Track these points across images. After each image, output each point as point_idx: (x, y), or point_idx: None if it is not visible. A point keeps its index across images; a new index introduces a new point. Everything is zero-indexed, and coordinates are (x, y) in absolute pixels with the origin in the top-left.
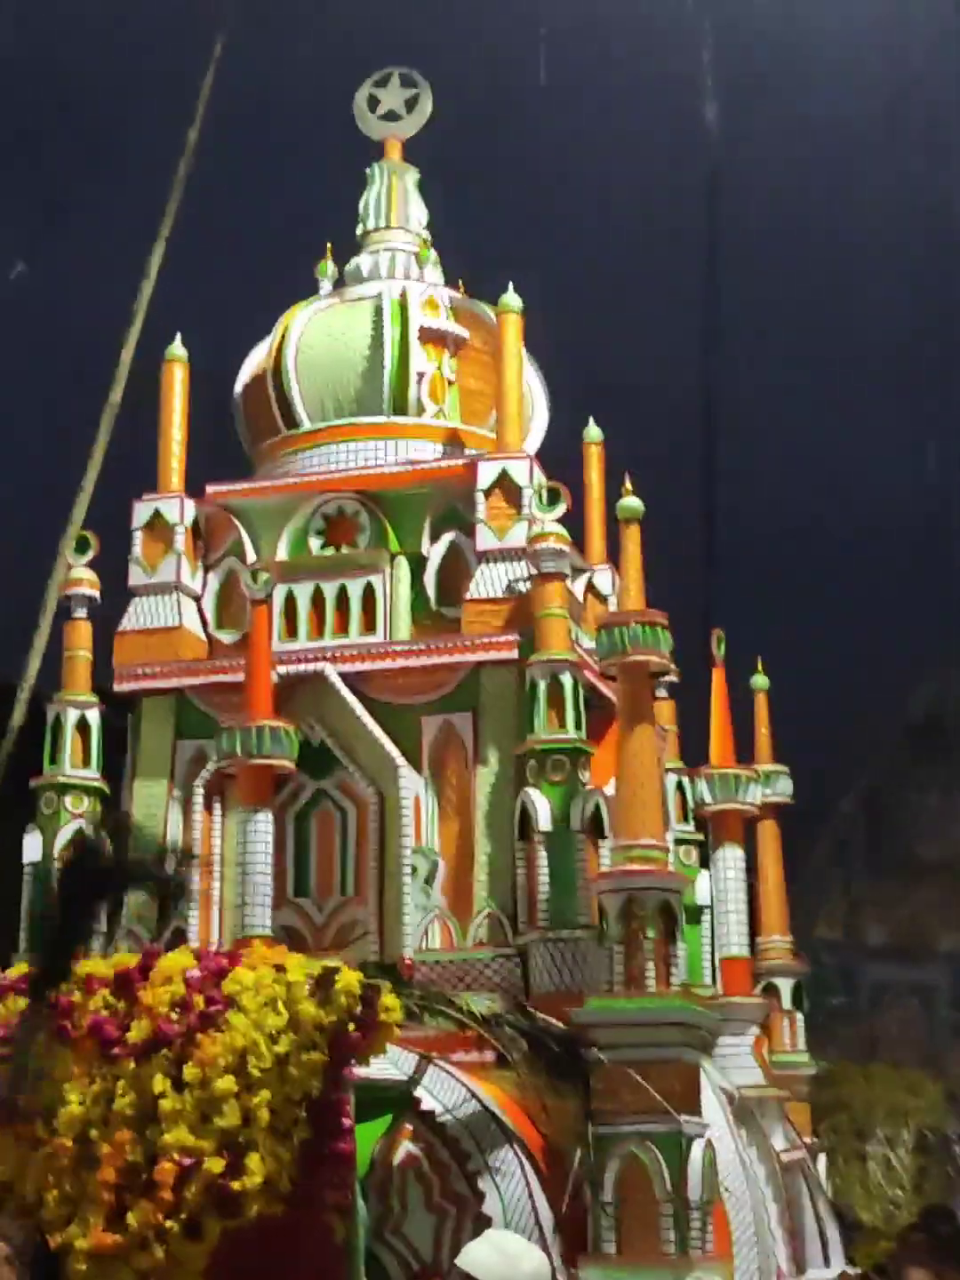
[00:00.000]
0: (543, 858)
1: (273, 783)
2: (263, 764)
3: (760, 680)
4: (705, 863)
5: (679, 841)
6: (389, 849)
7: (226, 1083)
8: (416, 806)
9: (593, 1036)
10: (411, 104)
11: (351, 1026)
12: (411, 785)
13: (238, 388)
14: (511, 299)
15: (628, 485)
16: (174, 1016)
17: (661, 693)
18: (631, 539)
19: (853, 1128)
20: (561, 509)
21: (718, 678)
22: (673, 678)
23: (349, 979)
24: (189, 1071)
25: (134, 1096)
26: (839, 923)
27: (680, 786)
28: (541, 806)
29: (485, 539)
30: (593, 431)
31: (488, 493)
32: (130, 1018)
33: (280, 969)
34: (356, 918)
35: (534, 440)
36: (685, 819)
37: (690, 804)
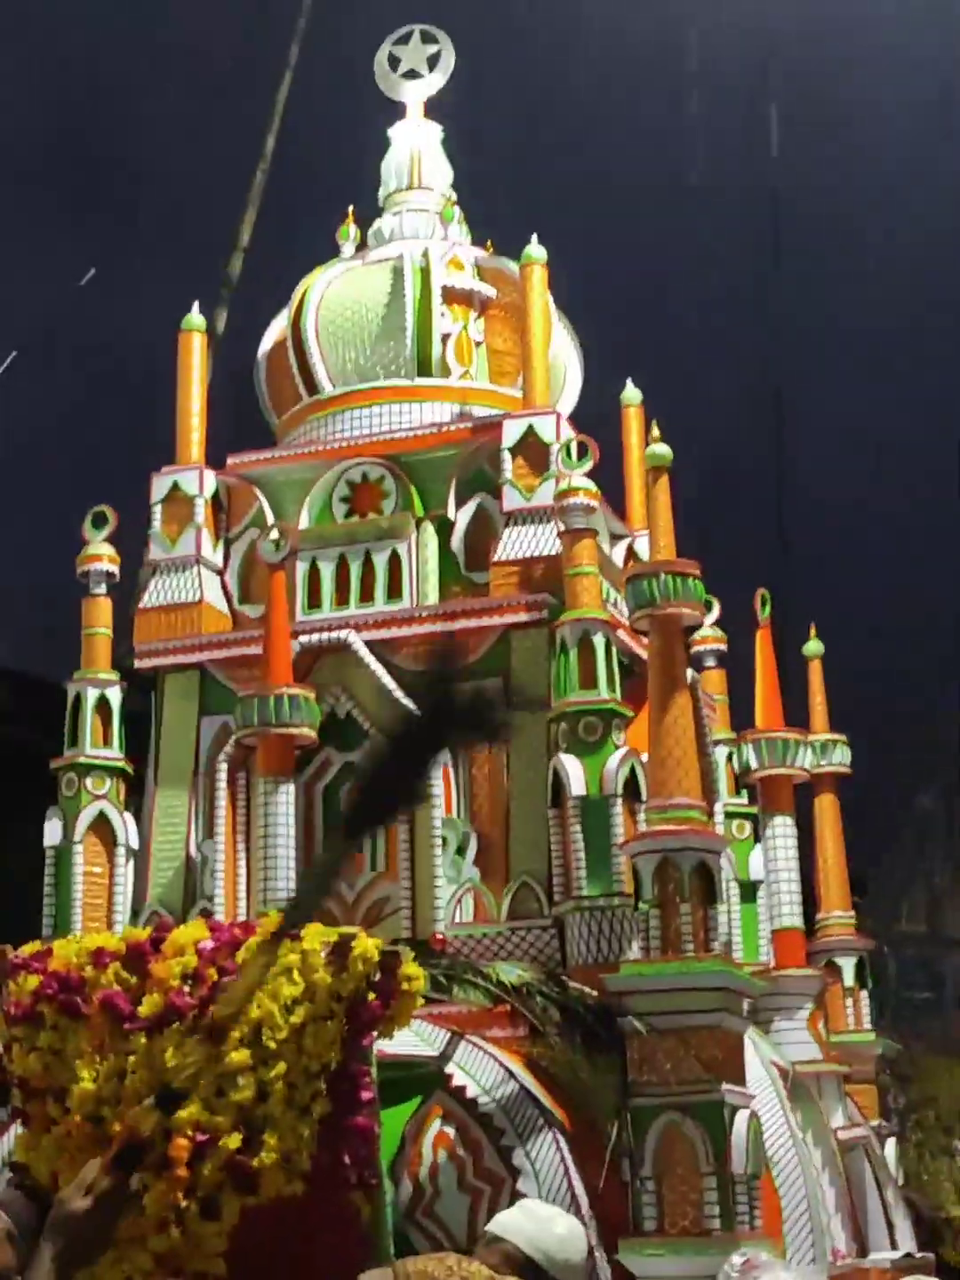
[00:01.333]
0: (577, 825)
1: (294, 753)
2: (283, 733)
3: (814, 646)
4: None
5: (731, 815)
6: (418, 820)
7: (241, 1056)
8: (446, 777)
9: (628, 1005)
10: (434, 62)
11: (371, 995)
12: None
13: (259, 356)
14: (535, 249)
15: (656, 433)
16: (187, 989)
17: (710, 662)
18: (661, 489)
19: (941, 1124)
20: (589, 463)
21: (762, 638)
22: (720, 645)
23: (366, 946)
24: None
25: (146, 1073)
26: (921, 917)
27: (730, 757)
28: (574, 772)
29: (512, 499)
30: (631, 393)
31: (514, 452)
32: (142, 992)
33: (296, 937)
34: (388, 894)
35: (567, 403)
36: (736, 791)
37: (743, 776)
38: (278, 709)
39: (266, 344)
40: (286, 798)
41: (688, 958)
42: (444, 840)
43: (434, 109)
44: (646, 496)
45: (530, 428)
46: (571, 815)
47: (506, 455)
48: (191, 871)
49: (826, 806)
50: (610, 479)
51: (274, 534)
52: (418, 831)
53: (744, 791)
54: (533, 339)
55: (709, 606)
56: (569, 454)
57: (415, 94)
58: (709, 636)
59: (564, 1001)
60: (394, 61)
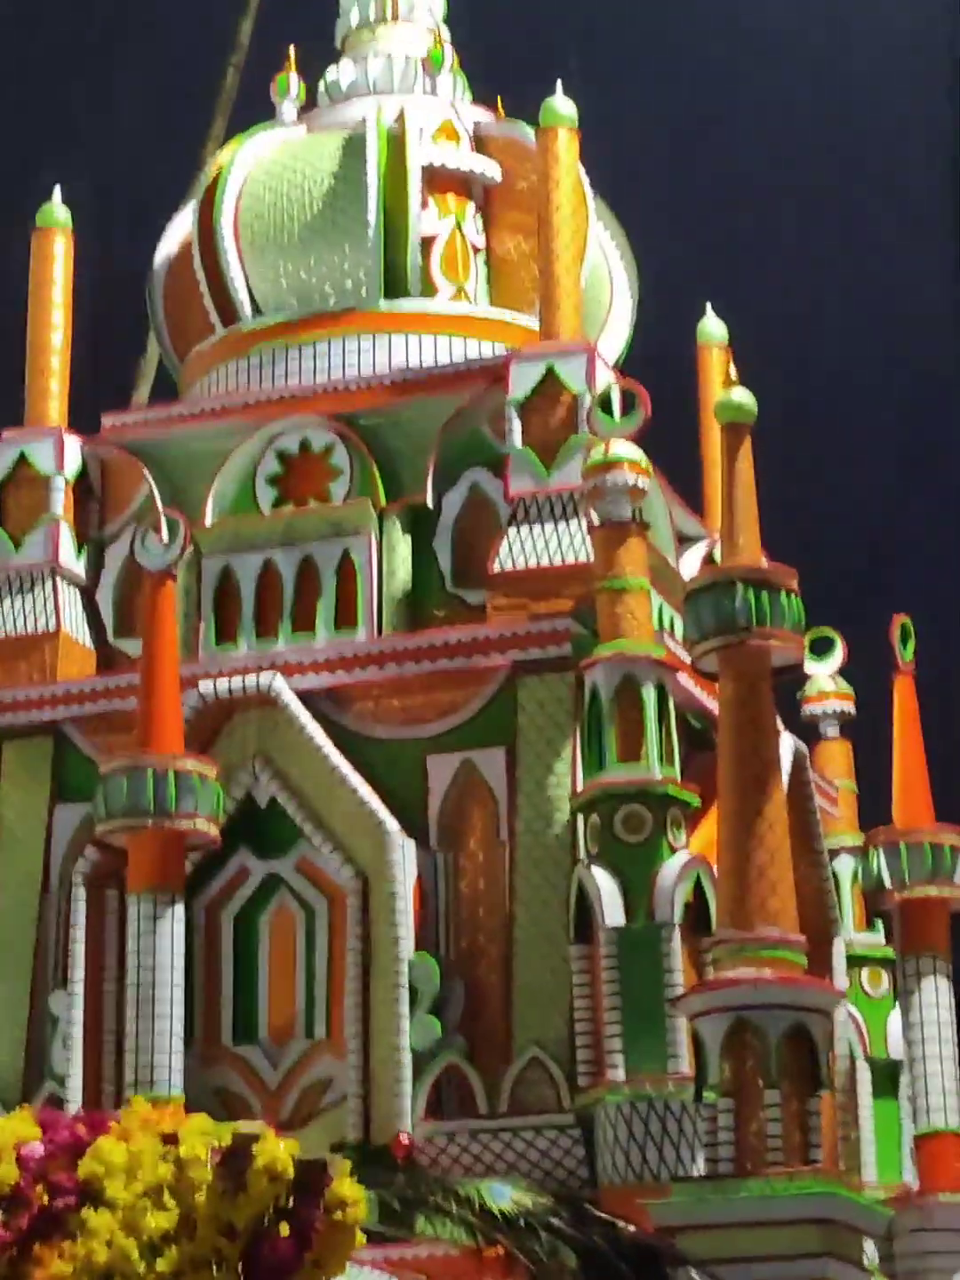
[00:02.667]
0: (612, 971)
1: (182, 858)
2: (166, 828)
3: None
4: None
5: (857, 960)
6: (378, 963)
7: None
8: (417, 895)
9: (683, 1246)
10: None
11: (283, 1228)
12: (409, 862)
13: (154, 268)
14: (560, 104)
15: (730, 374)
16: (1, 1217)
17: (830, 731)
18: (741, 457)
19: None
20: (637, 422)
21: (902, 690)
22: (845, 704)
23: (276, 1152)
24: None
25: None
26: None
27: (858, 873)
28: (608, 889)
29: (521, 476)
30: (712, 326)
31: (524, 406)
32: None
33: (170, 1139)
34: (330, 1074)
35: (611, 342)
36: (867, 925)
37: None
38: (158, 792)
39: (164, 251)
40: (172, 926)
41: (774, 1175)
42: (410, 992)
43: None
44: (722, 467)
45: (549, 370)
46: (605, 955)
47: (513, 412)
48: (36, 1037)
49: None
50: (680, 457)
51: (161, 526)
52: (373, 976)
53: (879, 923)
54: (557, 239)
55: (830, 646)
56: (606, 408)
57: None
58: (827, 691)
59: (585, 1240)
60: None
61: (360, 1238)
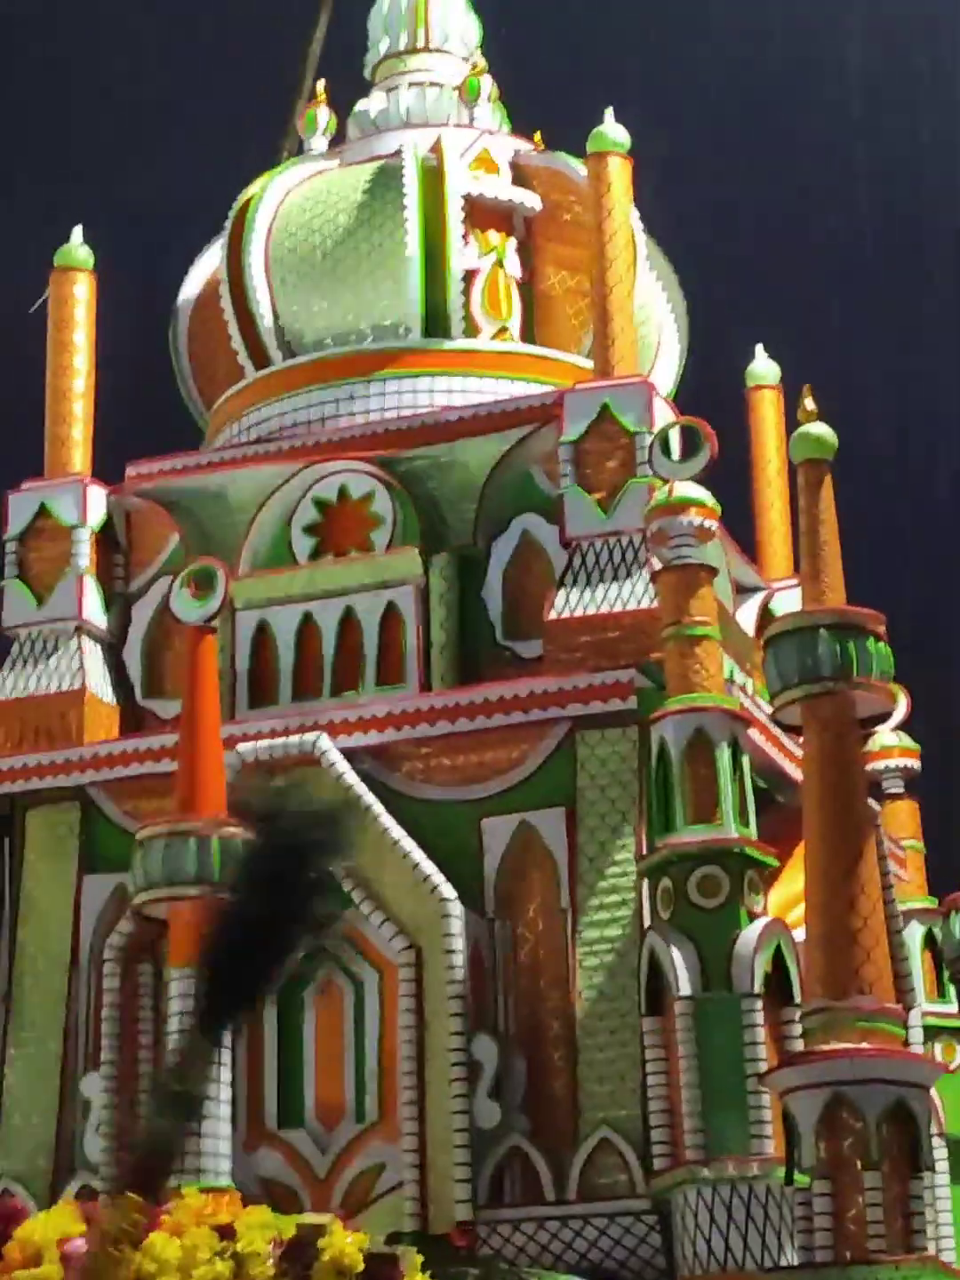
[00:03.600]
0: (689, 1045)
1: None
2: (209, 897)
3: None
4: None
5: (930, 1031)
6: (432, 1040)
7: None
8: (476, 967)
9: None
10: None
11: None
12: (466, 933)
13: (179, 308)
14: (611, 131)
15: (807, 403)
16: None
17: (896, 787)
18: (822, 495)
19: None
20: (703, 462)
21: None
22: (911, 762)
23: (343, 1245)
24: None
25: None
26: None
27: (931, 937)
28: (683, 957)
29: (578, 519)
30: (762, 367)
31: (579, 444)
32: None
33: (226, 1232)
34: (383, 1159)
35: (662, 380)
36: (939, 993)
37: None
38: (201, 859)
39: (188, 291)
40: None
41: (880, 1263)
42: (469, 1069)
43: None
44: (800, 508)
45: (604, 408)
46: (680, 1029)
47: (566, 451)
48: (67, 1122)
49: None
50: (730, 504)
51: (196, 578)
52: (427, 1054)
53: (951, 993)
54: (611, 270)
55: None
56: (666, 448)
57: None
58: (891, 747)
59: None
60: None
61: None
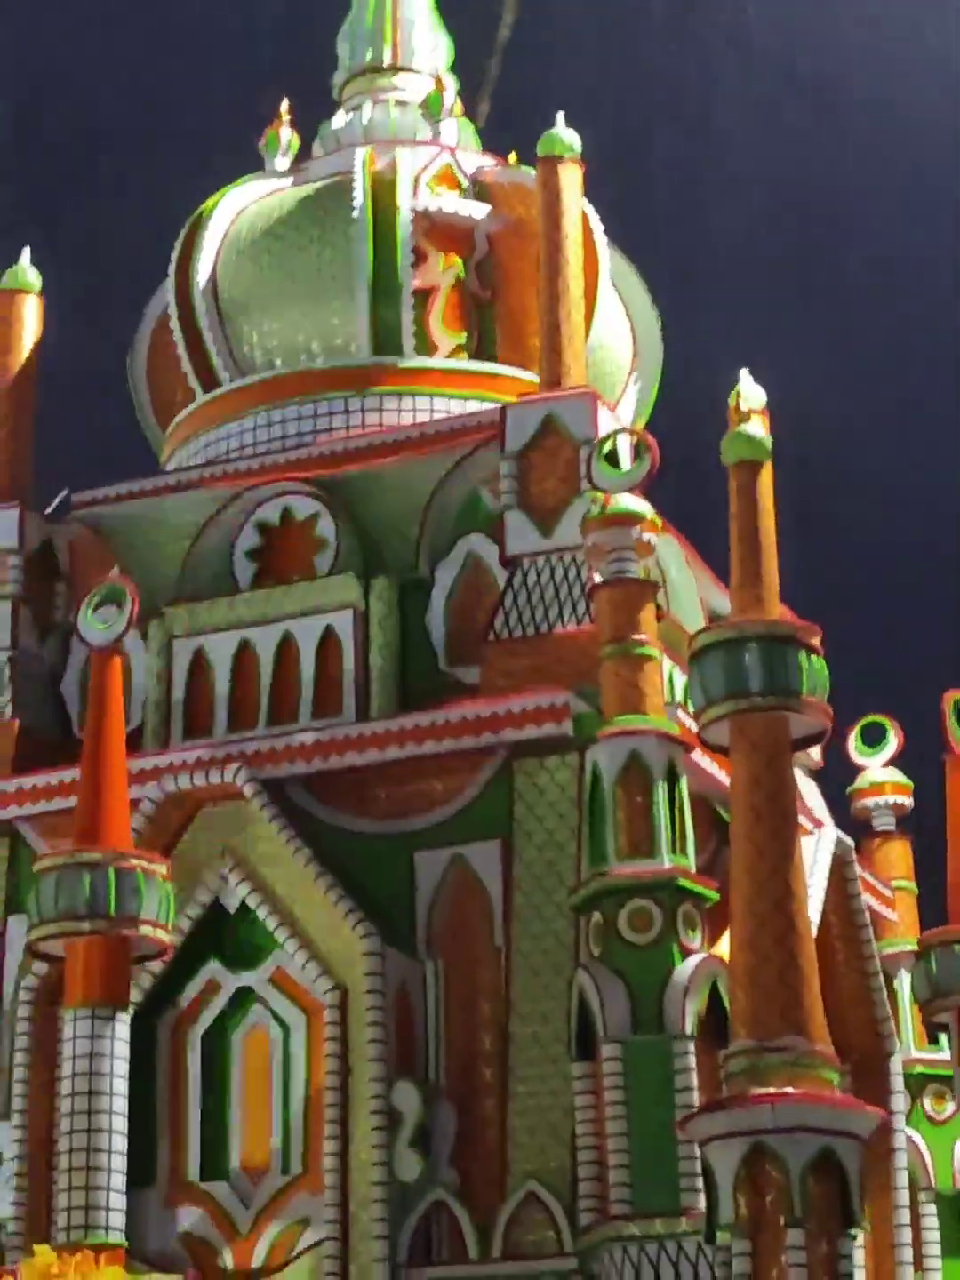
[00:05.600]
0: (618, 1090)
1: (126, 969)
2: (105, 933)
3: None
4: None
5: (921, 1079)
6: (356, 1087)
7: None
8: (399, 1006)
9: None
10: None
11: None
12: (390, 973)
13: (136, 338)
14: (561, 133)
15: (741, 404)
16: None
17: (885, 822)
18: (757, 498)
19: None
20: (642, 472)
21: (955, 777)
22: (903, 798)
23: None
24: None
25: None
26: None
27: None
28: (611, 997)
29: (519, 535)
30: (748, 390)
31: (521, 458)
32: None
33: None
34: (307, 1213)
35: (636, 393)
36: (932, 1040)
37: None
38: (96, 892)
39: (147, 319)
40: (113, 1046)
41: None
42: (392, 1117)
43: None
44: (732, 512)
45: (548, 419)
46: (608, 1073)
47: (509, 466)
48: None
49: None
50: (717, 534)
51: (101, 593)
52: (351, 1102)
53: (942, 1038)
54: (558, 278)
55: (884, 735)
56: (609, 458)
57: None
58: (882, 783)
59: None
60: None
61: None
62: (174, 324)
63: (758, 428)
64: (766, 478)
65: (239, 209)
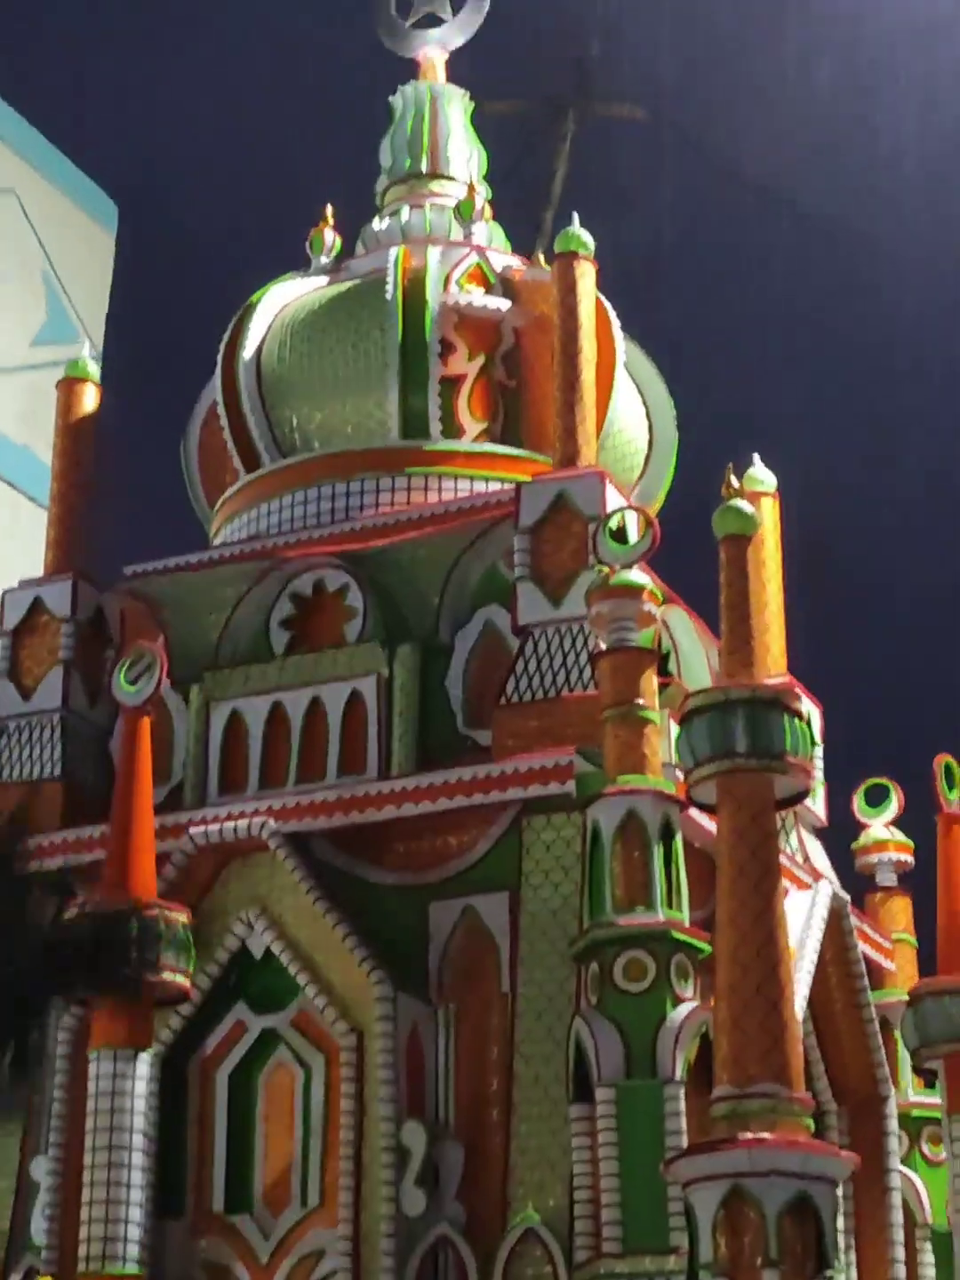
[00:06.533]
0: (611, 1132)
1: (149, 1012)
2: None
3: None
4: None
5: (917, 1120)
6: (369, 1126)
7: None
8: (410, 1049)
9: None
10: (458, 5)
11: None
12: (402, 1018)
13: (189, 424)
14: (577, 232)
15: (732, 480)
16: None
17: (887, 878)
18: (746, 571)
19: None
20: (644, 547)
21: (946, 836)
22: (904, 856)
23: None
24: None
25: None
26: None
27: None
28: (607, 1041)
29: (530, 606)
30: (760, 474)
31: (535, 532)
32: None
33: None
34: (322, 1245)
35: (651, 488)
36: (930, 1085)
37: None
38: (116, 938)
39: (201, 404)
40: (134, 1086)
41: None
42: (400, 1154)
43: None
44: (721, 582)
45: (559, 496)
46: (602, 1116)
47: (523, 541)
48: (23, 1204)
49: None
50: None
51: (133, 658)
52: (365, 1141)
53: (935, 1083)
54: (572, 366)
55: (886, 796)
56: (615, 534)
57: (432, 47)
58: (884, 841)
59: None
60: (403, 6)
61: None
62: (220, 408)
63: (745, 505)
64: (768, 550)
65: (283, 303)
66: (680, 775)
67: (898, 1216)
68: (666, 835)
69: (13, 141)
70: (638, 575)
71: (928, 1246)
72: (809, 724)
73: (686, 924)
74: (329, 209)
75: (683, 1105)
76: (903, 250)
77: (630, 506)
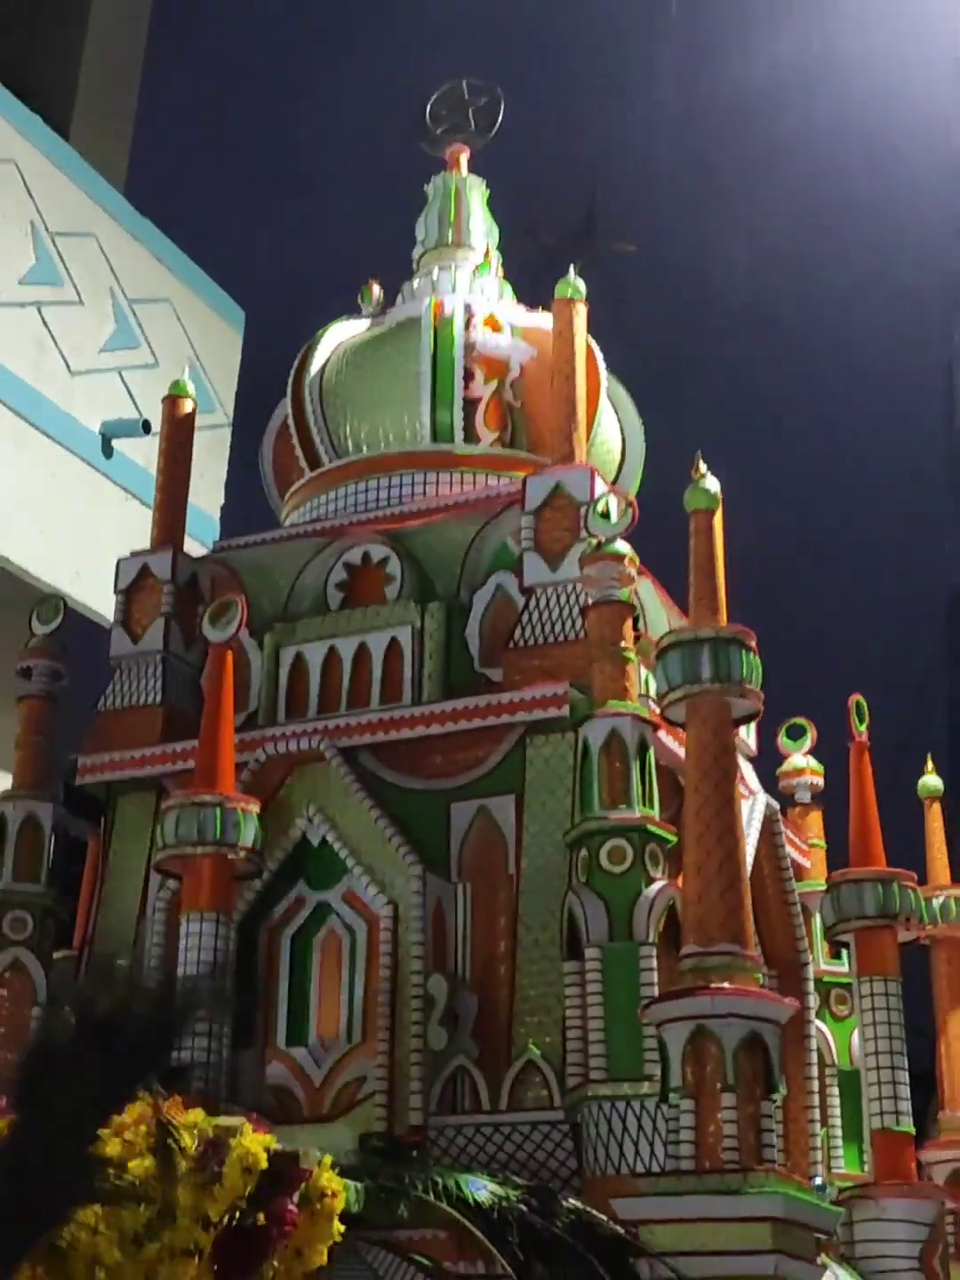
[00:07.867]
0: (596, 984)
1: (230, 885)
2: (209, 855)
3: (931, 782)
4: None
5: (829, 985)
6: (401, 979)
7: None
8: (435, 918)
9: (647, 1241)
10: (481, 114)
11: (259, 1217)
12: (429, 894)
13: (265, 439)
14: (573, 280)
15: (699, 468)
16: None
17: (804, 797)
18: (711, 539)
19: None
20: (624, 524)
21: (857, 759)
22: (815, 778)
23: (250, 1145)
24: None
25: None
26: None
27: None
28: (593, 912)
29: (533, 571)
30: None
31: (537, 514)
32: None
33: (165, 1126)
34: (363, 1073)
35: (628, 478)
36: (835, 956)
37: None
38: (201, 824)
39: (273, 423)
40: (215, 942)
41: (729, 1172)
42: (426, 1002)
43: (490, 166)
44: (691, 548)
45: (557, 487)
46: (591, 971)
47: (527, 520)
48: None
49: (951, 977)
50: (676, 577)
51: (218, 606)
52: (398, 990)
53: (843, 955)
54: (567, 386)
55: (804, 732)
56: (602, 514)
57: (457, 147)
58: (802, 768)
59: (554, 1234)
60: (437, 117)
61: (338, 1228)
62: (290, 421)
63: (712, 482)
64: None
65: (338, 339)
66: (653, 706)
67: (814, 1058)
68: (642, 751)
69: (167, 261)
70: (621, 545)
71: (834, 1084)
72: (760, 660)
73: (658, 819)
74: (374, 282)
75: (655, 962)
76: (865, 362)
77: (613, 492)
